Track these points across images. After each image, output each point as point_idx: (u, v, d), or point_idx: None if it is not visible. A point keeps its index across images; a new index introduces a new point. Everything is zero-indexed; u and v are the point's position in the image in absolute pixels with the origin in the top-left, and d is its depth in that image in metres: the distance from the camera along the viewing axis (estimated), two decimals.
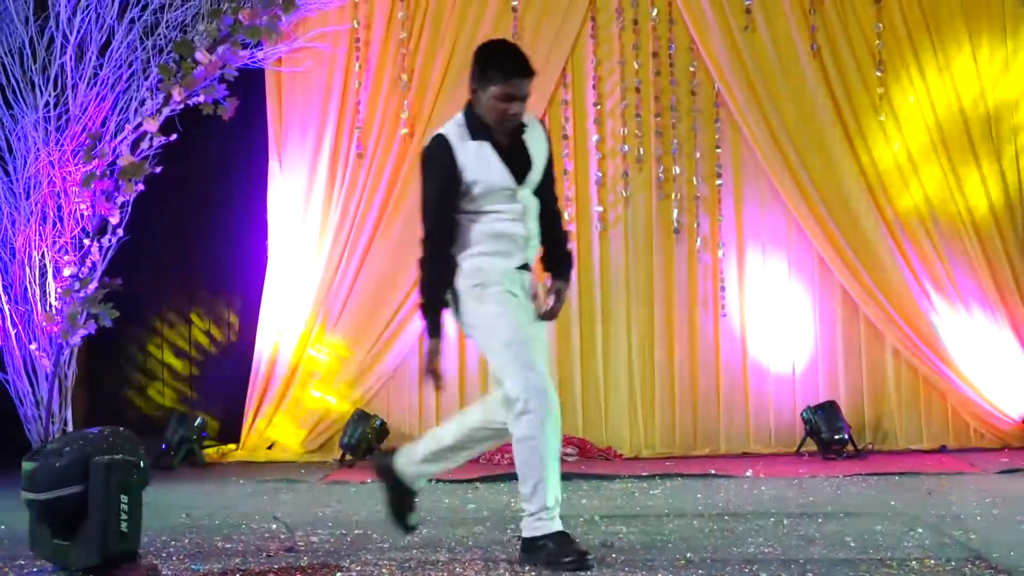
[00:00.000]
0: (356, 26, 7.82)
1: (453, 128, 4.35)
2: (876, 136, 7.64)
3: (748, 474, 6.65)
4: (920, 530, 4.87)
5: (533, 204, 4.39)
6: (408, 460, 4.54)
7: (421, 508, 5.69)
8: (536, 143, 4.43)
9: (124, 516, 3.87)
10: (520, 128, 4.39)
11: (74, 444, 4.00)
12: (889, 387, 7.71)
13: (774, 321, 7.74)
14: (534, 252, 4.45)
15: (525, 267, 4.40)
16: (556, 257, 4.54)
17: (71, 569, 3.92)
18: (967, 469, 6.76)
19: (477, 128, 4.32)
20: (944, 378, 7.54)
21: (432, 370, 4.34)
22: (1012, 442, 7.49)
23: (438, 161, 4.31)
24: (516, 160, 4.35)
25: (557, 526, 4.24)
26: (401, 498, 4.59)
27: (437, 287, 4.37)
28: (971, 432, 7.62)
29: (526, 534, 4.27)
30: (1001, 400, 7.52)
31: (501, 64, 4.34)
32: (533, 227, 4.41)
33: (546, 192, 4.47)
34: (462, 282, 4.34)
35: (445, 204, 4.32)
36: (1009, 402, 7.51)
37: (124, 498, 3.87)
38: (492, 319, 4.30)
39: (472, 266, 4.32)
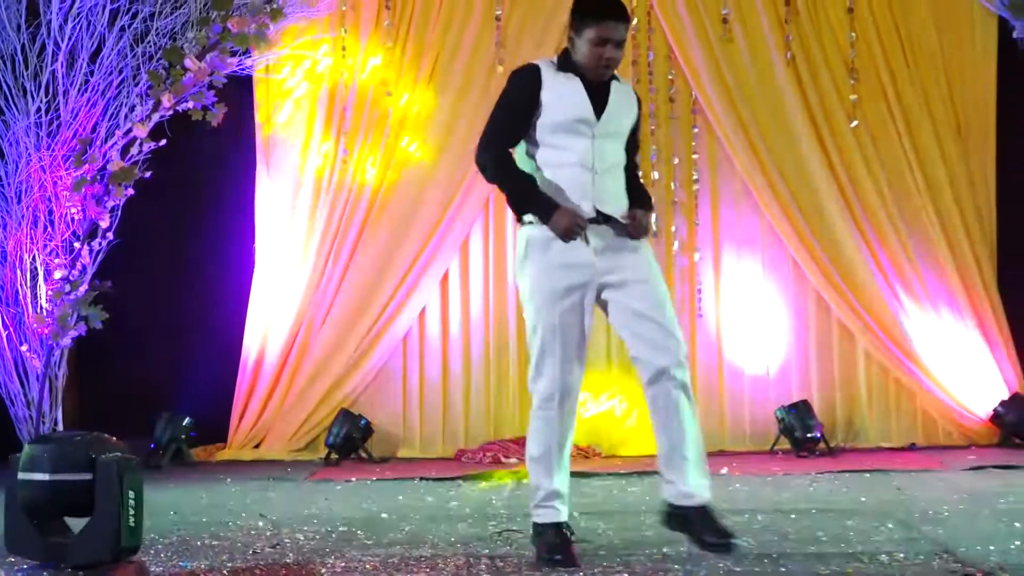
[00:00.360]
0: (343, 34, 7.83)
1: (545, 62, 4.27)
2: (848, 141, 7.69)
3: (724, 472, 6.68)
4: (890, 525, 4.90)
5: (609, 151, 4.18)
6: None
7: (404, 506, 5.73)
8: (624, 98, 4.28)
9: (132, 511, 3.88)
10: (612, 80, 4.26)
11: (77, 437, 3.99)
12: (860, 387, 7.75)
13: (749, 323, 7.78)
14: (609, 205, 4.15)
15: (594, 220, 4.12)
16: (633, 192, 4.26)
17: (67, 566, 3.89)
18: (936, 466, 6.79)
19: (569, 66, 4.21)
20: (913, 378, 7.59)
21: (572, 227, 4.04)
22: (979, 440, 7.54)
23: (523, 78, 4.23)
24: (599, 101, 4.19)
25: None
26: None
27: (512, 178, 4.21)
28: (939, 430, 7.67)
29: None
30: (969, 399, 7.57)
31: (597, 6, 4.17)
32: (604, 179, 4.17)
33: (629, 148, 4.28)
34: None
35: (517, 117, 4.22)
36: (976, 401, 7.56)
37: (132, 493, 3.88)
38: None
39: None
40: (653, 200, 4.51)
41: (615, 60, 4.19)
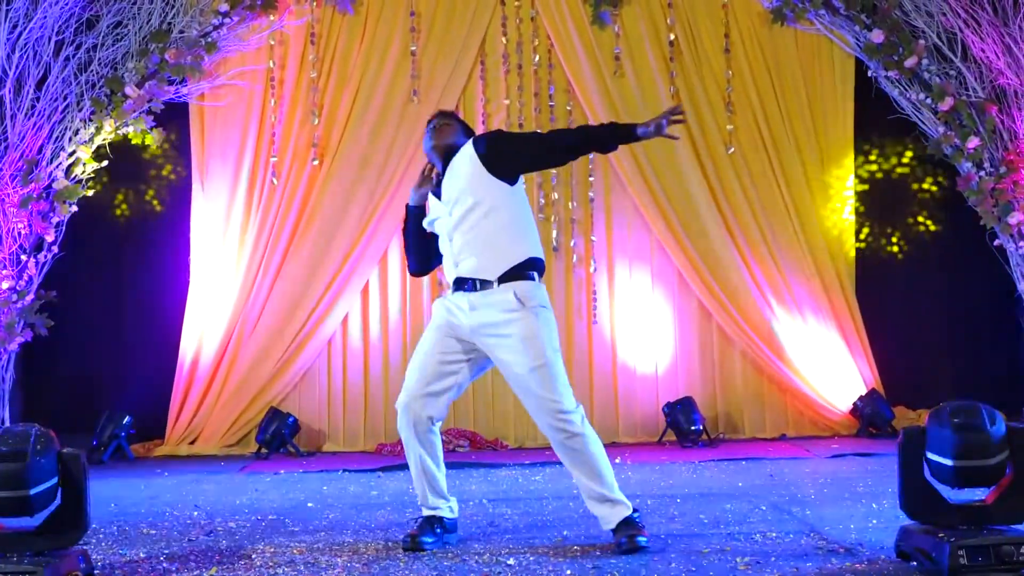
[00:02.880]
0: (272, 66, 7.73)
1: None
2: (725, 166, 7.77)
3: (617, 461, 6.69)
4: (763, 508, 4.96)
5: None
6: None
7: (329, 496, 5.66)
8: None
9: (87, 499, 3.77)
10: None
11: (38, 441, 3.66)
12: (737, 384, 7.82)
13: (639, 328, 7.82)
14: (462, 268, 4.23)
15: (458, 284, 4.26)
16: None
17: (30, 553, 3.72)
18: (803, 454, 6.89)
19: None
20: (783, 376, 7.69)
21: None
22: (841, 430, 7.66)
23: None
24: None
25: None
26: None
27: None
28: (806, 422, 7.76)
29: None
30: (831, 394, 7.69)
31: None
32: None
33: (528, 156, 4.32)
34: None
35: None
36: (838, 396, 7.69)
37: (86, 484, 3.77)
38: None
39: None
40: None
41: (432, 137, 4.45)
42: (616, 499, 4.15)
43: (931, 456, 3.66)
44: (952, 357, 7.87)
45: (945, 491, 3.76)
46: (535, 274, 4.23)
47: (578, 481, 4.19)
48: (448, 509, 4.36)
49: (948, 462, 3.58)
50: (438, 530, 4.27)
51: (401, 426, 4.35)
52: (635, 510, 4.18)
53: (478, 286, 4.19)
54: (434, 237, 4.44)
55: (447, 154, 4.36)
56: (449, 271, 4.32)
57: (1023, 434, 3.66)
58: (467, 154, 4.27)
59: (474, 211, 4.19)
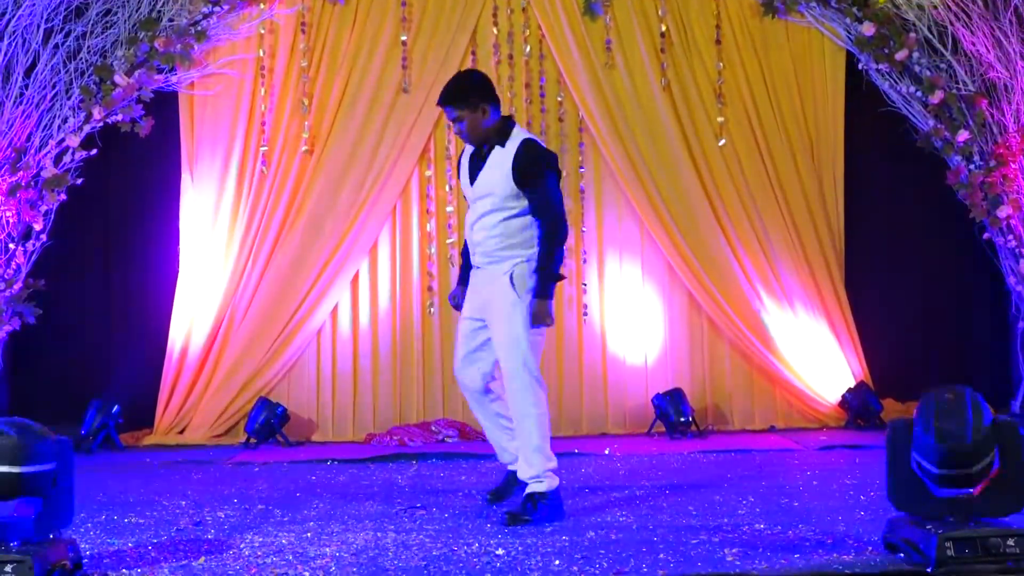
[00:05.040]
0: (262, 55, 7.70)
1: None
2: (716, 158, 7.78)
3: (606, 452, 6.71)
4: (752, 499, 4.97)
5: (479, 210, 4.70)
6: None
7: (318, 486, 5.66)
8: (497, 160, 4.63)
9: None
10: (491, 146, 4.67)
11: (32, 426, 3.73)
12: (726, 376, 7.83)
13: (629, 319, 7.82)
14: (483, 258, 4.72)
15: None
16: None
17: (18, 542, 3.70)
18: (792, 446, 6.90)
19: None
20: (773, 368, 7.71)
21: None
22: (829, 422, 7.68)
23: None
24: (473, 169, 4.72)
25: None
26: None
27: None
28: (795, 414, 7.78)
29: None
30: (820, 386, 7.71)
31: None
32: (479, 235, 4.72)
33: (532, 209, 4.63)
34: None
35: None
36: (827, 388, 7.70)
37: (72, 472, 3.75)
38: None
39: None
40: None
41: (462, 134, 4.69)
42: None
43: (916, 457, 3.67)
44: (941, 350, 7.89)
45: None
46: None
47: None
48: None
49: (933, 469, 3.59)
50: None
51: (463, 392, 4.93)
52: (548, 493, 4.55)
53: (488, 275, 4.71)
54: None
55: (484, 141, 4.69)
56: (471, 251, 4.84)
57: (1010, 427, 3.67)
58: (508, 156, 4.59)
59: (495, 213, 4.64)
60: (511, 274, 4.60)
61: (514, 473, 4.82)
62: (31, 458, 3.56)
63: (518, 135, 4.65)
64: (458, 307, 4.95)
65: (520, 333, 4.56)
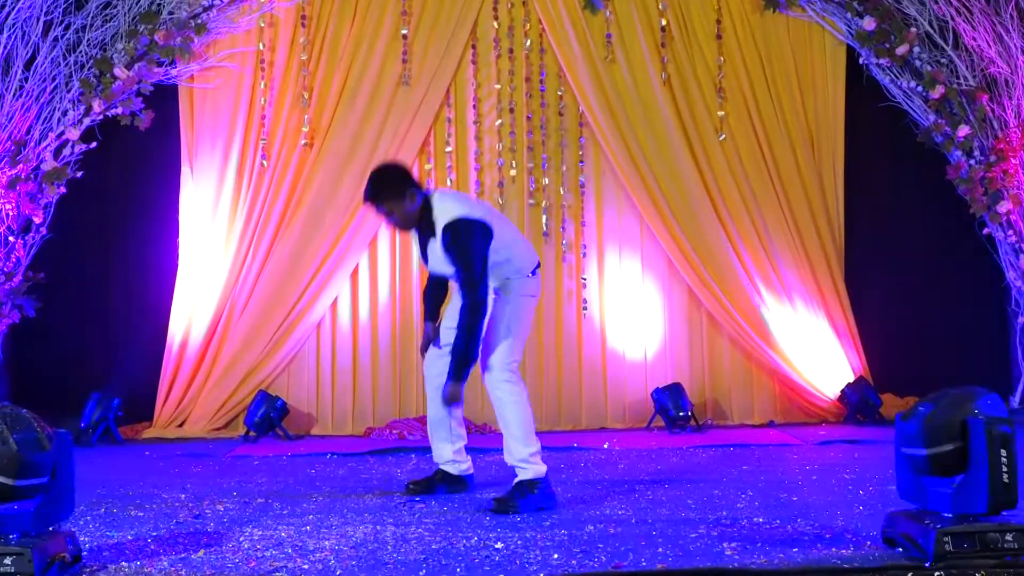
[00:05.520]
0: (262, 48, 7.70)
1: None
2: (716, 153, 7.77)
3: (605, 446, 6.72)
4: (751, 493, 4.98)
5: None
6: None
7: (317, 479, 5.66)
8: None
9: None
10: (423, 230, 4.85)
11: (34, 432, 3.73)
12: (726, 370, 7.84)
13: (628, 313, 7.83)
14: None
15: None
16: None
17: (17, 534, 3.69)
18: (791, 441, 6.90)
19: None
20: (772, 363, 7.71)
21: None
22: (829, 417, 7.69)
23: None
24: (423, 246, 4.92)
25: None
26: None
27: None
28: (794, 409, 7.79)
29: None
30: (819, 381, 7.72)
31: None
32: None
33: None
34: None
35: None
36: (826, 383, 7.71)
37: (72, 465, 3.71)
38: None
39: None
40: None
41: (396, 226, 4.94)
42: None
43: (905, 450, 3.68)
44: (940, 345, 7.88)
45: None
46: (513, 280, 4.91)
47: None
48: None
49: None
50: None
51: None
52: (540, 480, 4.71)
53: None
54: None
55: (413, 224, 4.86)
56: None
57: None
58: (438, 243, 4.76)
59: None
60: (495, 288, 4.88)
61: (442, 470, 5.16)
62: (27, 472, 3.57)
63: (440, 218, 4.73)
64: (436, 343, 5.10)
65: (501, 332, 4.82)
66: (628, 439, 7.05)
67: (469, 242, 4.68)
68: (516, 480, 4.76)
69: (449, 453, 5.15)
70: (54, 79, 7.29)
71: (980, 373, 7.46)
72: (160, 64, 7.44)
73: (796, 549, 3.81)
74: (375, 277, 7.81)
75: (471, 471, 5.23)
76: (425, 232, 4.81)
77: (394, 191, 4.75)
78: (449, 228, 4.69)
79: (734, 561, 3.67)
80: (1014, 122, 7.46)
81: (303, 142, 7.65)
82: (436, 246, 4.76)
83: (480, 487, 5.22)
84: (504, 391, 4.83)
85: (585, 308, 7.80)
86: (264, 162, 7.65)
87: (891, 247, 7.99)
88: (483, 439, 7.21)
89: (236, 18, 7.61)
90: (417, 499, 4.99)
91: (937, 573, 3.46)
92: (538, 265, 5.01)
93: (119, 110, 7.40)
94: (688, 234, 7.69)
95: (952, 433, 3.56)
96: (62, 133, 7.28)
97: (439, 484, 5.12)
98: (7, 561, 3.45)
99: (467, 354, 4.73)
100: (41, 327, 7.48)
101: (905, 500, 3.77)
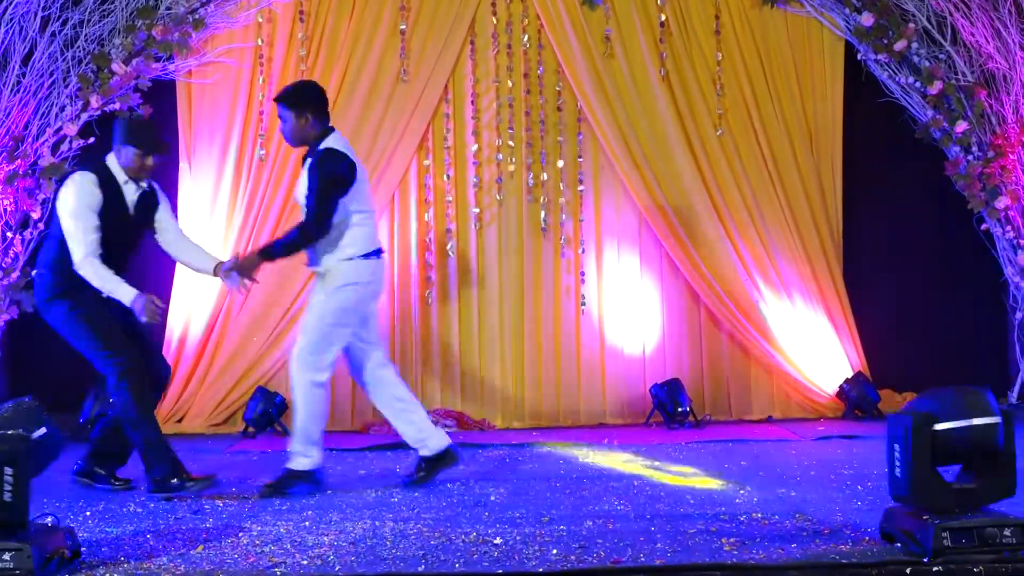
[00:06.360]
0: (260, 44, 7.69)
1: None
2: (714, 148, 7.77)
3: (604, 442, 6.72)
4: (749, 488, 4.98)
5: None
6: None
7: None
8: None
9: (8, 487, 3.58)
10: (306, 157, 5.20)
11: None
12: (724, 366, 7.84)
13: (627, 309, 7.82)
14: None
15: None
16: None
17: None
18: (789, 436, 6.91)
19: None
20: (771, 358, 7.71)
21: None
22: (827, 413, 7.69)
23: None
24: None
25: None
26: None
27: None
28: (793, 405, 7.79)
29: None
30: (818, 377, 7.72)
31: None
32: None
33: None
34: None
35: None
36: (825, 378, 7.71)
37: (9, 470, 3.55)
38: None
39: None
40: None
41: (284, 135, 5.24)
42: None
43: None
44: (939, 341, 7.90)
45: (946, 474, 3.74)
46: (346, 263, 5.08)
47: None
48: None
49: None
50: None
51: None
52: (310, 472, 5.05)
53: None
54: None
55: (298, 143, 5.20)
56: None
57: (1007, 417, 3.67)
58: (307, 169, 5.06)
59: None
60: (325, 272, 5.09)
61: (420, 457, 5.31)
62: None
63: (322, 147, 5.05)
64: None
65: (314, 324, 5.05)
66: (626, 435, 7.04)
67: (333, 170, 4.97)
68: (287, 466, 5.07)
69: (414, 432, 5.26)
70: (51, 74, 7.28)
71: (978, 368, 7.49)
72: (158, 59, 7.43)
73: (794, 545, 3.82)
74: None
75: (445, 442, 5.31)
76: (306, 158, 5.11)
77: (297, 104, 5.07)
78: (322, 152, 5.02)
79: (732, 557, 3.67)
80: (1012, 118, 7.46)
81: None
82: (305, 171, 5.06)
83: (480, 482, 5.22)
84: (304, 386, 5.08)
85: (583, 304, 7.80)
86: (262, 158, 7.64)
87: (889, 243, 8.00)
88: (482, 435, 7.22)
89: (234, 13, 7.60)
90: (416, 493, 4.99)
91: (935, 568, 3.47)
92: (380, 251, 5.18)
93: (117, 105, 7.39)
94: (686, 230, 7.69)
95: None
96: (60, 129, 7.27)
97: (429, 471, 5.25)
98: (6, 557, 3.45)
99: (284, 250, 5.10)
100: (39, 323, 7.45)
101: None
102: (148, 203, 5.21)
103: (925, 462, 3.62)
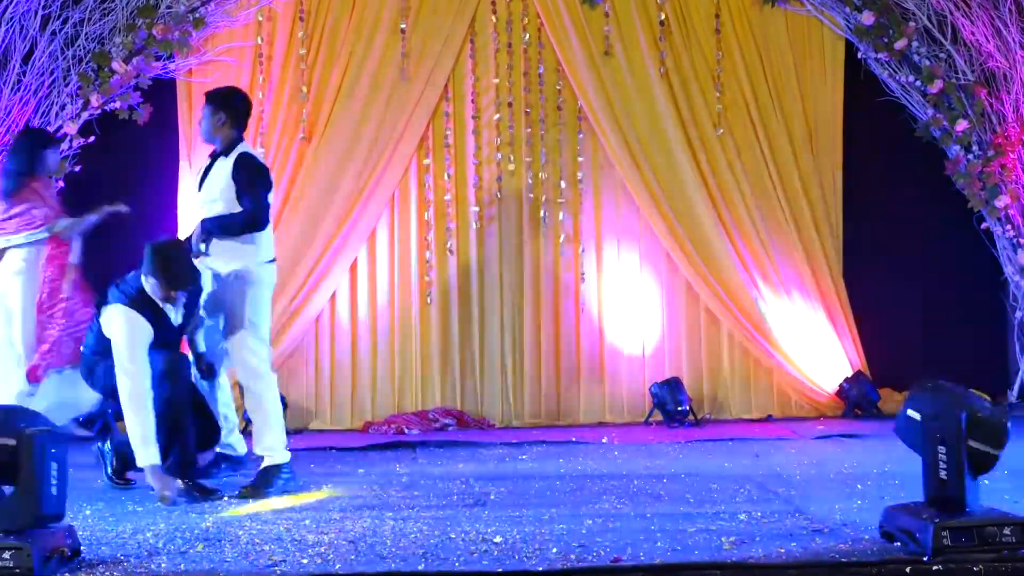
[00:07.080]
0: (260, 42, 7.68)
1: None
2: (714, 147, 7.77)
3: (604, 441, 6.72)
4: (749, 487, 4.97)
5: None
6: None
7: (316, 474, 5.66)
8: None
9: (55, 481, 3.67)
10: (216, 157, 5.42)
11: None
12: (724, 365, 7.84)
13: (627, 308, 7.82)
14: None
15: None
16: None
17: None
18: (789, 435, 6.90)
19: None
20: (770, 357, 7.71)
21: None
22: (827, 412, 7.69)
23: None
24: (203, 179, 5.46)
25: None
26: None
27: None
28: (793, 403, 7.79)
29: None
30: (817, 376, 7.72)
31: None
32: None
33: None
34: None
35: None
36: (824, 377, 7.71)
37: (55, 465, 3.68)
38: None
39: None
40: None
41: (198, 124, 5.71)
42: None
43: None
44: (938, 340, 7.88)
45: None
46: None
47: None
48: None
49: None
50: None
51: None
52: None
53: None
54: None
55: (209, 140, 5.39)
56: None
57: None
58: (227, 168, 5.21)
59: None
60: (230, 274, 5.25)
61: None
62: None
63: (244, 148, 5.28)
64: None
65: (245, 323, 5.24)
66: (626, 434, 7.04)
67: (261, 172, 5.25)
68: (265, 465, 5.18)
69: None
70: (52, 73, 7.28)
71: (978, 367, 7.48)
72: (158, 58, 7.43)
73: (794, 543, 3.81)
74: (374, 272, 7.80)
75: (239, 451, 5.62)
76: (218, 157, 5.30)
77: (219, 105, 5.29)
78: (246, 155, 5.23)
79: (732, 555, 3.66)
80: (1012, 117, 7.45)
81: (301, 136, 7.64)
82: (225, 166, 5.20)
83: (480, 481, 5.22)
84: (266, 380, 5.35)
85: (583, 303, 7.79)
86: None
87: (889, 241, 7.98)
88: (482, 433, 7.21)
89: (234, 12, 7.60)
90: (416, 491, 4.98)
91: (935, 567, 3.47)
92: (274, 260, 5.42)
93: (117, 104, 7.39)
94: (686, 228, 7.69)
95: None
96: (60, 127, 7.27)
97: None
98: (6, 555, 3.45)
99: (224, 229, 5.19)
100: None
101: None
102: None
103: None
